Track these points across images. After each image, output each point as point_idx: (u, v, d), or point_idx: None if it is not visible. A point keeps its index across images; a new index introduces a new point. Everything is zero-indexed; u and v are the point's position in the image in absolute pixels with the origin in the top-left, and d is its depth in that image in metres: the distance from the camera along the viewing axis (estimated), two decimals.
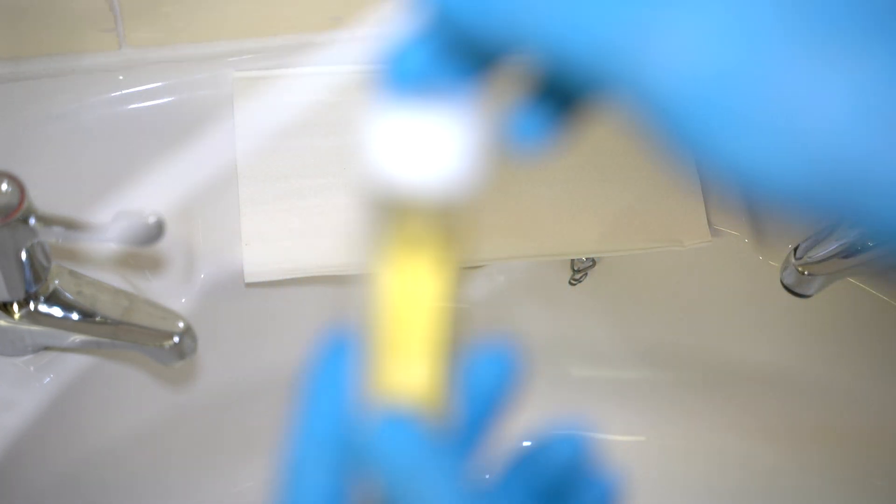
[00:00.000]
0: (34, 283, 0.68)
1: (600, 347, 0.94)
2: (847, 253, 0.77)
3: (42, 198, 0.66)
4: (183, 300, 0.79)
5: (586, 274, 0.89)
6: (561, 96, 0.36)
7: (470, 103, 0.34)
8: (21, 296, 0.68)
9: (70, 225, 0.65)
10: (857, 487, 0.92)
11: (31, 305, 0.70)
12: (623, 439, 0.95)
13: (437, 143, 0.34)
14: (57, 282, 0.70)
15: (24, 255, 0.66)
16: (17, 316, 0.70)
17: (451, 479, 0.34)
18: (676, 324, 0.92)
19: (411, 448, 0.34)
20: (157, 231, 0.65)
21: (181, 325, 0.71)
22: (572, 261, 0.88)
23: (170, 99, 0.81)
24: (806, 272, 0.80)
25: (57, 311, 0.70)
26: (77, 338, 0.70)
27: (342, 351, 0.37)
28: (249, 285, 0.80)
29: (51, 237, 0.65)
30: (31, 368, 0.73)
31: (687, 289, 0.91)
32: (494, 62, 0.35)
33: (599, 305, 0.93)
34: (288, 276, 0.78)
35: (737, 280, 0.89)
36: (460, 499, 0.34)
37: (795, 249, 0.81)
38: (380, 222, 0.35)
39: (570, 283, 0.89)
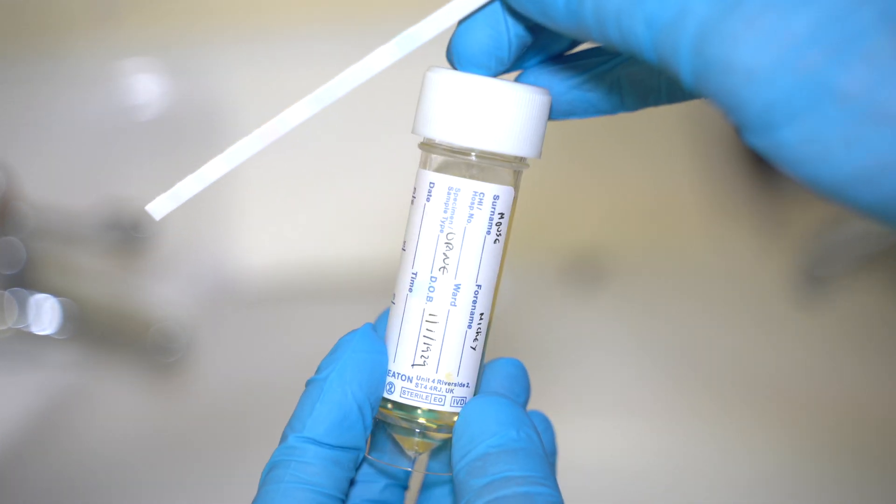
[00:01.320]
0: (20, 270, 0.68)
1: (605, 352, 0.94)
2: (866, 262, 0.77)
3: (37, 193, 0.66)
4: (178, 303, 0.78)
5: (593, 276, 0.88)
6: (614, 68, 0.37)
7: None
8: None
9: (62, 217, 0.65)
10: (873, 493, 0.92)
11: (16, 297, 0.69)
12: (628, 444, 0.95)
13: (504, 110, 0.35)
14: (44, 275, 0.70)
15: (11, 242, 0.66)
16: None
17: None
18: (682, 328, 0.92)
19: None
20: (148, 228, 0.65)
21: (164, 318, 0.71)
22: (574, 262, 0.88)
23: (170, 97, 0.81)
24: (823, 280, 0.80)
25: (41, 300, 0.69)
26: (62, 329, 0.70)
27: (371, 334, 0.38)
28: (248, 290, 0.80)
29: (42, 229, 0.65)
30: (22, 379, 0.73)
31: (693, 293, 0.90)
32: (558, 47, 0.37)
33: (602, 310, 0.92)
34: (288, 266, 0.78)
35: (745, 284, 0.89)
36: None
37: (813, 257, 0.81)
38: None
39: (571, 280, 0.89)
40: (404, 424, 0.37)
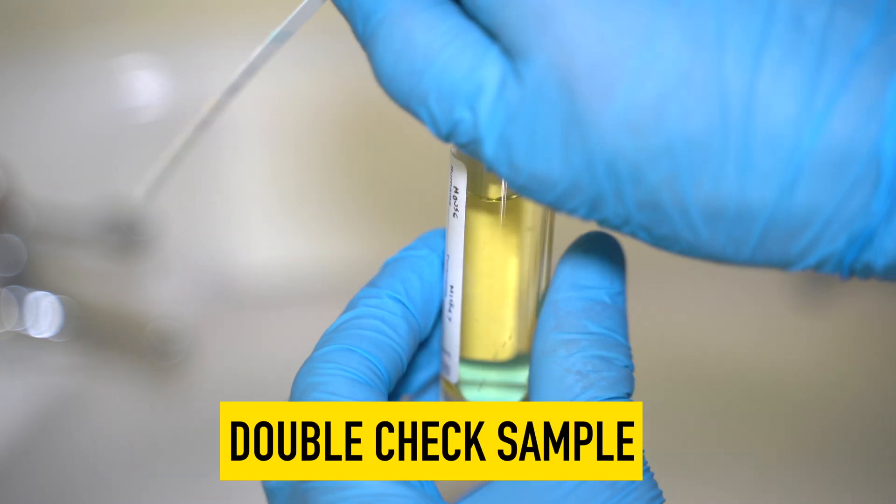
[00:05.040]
0: (20, 272, 0.68)
1: None
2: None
3: (37, 192, 0.66)
4: (177, 304, 0.78)
5: None
6: None
7: None
8: None
9: (62, 217, 0.65)
10: (873, 494, 0.92)
11: (14, 295, 0.69)
12: None
13: None
14: (44, 275, 0.70)
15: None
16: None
17: None
18: (682, 328, 0.92)
19: None
20: (147, 229, 0.65)
21: (164, 320, 0.71)
22: None
23: (171, 97, 0.81)
24: (825, 281, 0.80)
25: (39, 297, 0.69)
26: (61, 332, 0.70)
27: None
28: (248, 291, 0.80)
29: (42, 230, 0.65)
30: (21, 382, 0.73)
31: (693, 292, 0.90)
32: None
33: None
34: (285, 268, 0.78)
35: (745, 284, 0.89)
36: None
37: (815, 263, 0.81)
38: None
39: None
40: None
